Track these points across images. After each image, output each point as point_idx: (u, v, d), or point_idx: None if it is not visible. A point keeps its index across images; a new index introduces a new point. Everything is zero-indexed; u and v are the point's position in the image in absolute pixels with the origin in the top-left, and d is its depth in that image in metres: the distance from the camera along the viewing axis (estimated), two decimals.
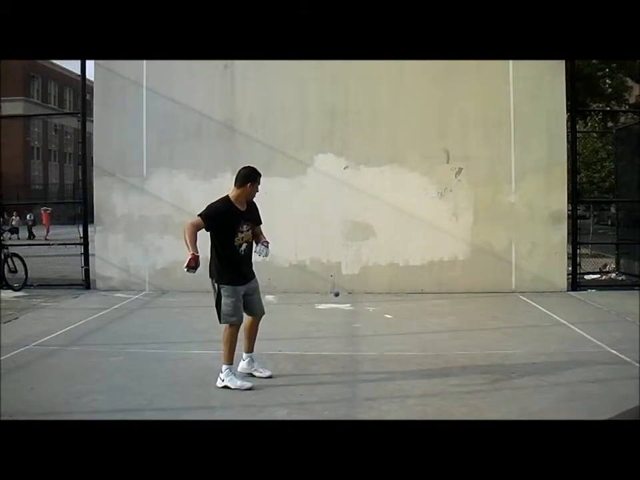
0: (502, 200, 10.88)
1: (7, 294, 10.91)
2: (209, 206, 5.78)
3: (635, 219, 12.25)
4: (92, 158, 11.97)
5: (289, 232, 10.79)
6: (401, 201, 10.87)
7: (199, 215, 5.69)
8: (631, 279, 12.03)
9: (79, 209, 12.31)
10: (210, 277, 5.78)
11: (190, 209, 11.46)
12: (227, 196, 5.79)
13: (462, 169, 10.96)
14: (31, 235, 29.05)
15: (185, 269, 5.45)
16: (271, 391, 5.40)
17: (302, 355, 6.53)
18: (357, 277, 11.10)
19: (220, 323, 5.63)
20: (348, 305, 9.89)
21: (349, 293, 10.81)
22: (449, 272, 10.89)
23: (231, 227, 5.66)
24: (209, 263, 5.82)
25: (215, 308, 5.68)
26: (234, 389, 5.42)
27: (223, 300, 5.60)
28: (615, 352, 6.51)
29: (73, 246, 12.05)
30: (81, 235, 11.76)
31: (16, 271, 11.70)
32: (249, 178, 5.72)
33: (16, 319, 8.71)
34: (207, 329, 8.02)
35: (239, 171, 5.83)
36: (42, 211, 30.60)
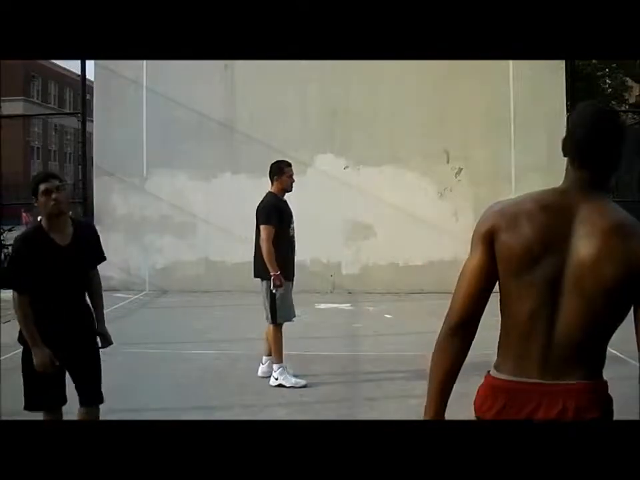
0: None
1: (7, 294, 10.91)
2: (263, 208, 5.54)
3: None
4: (92, 158, 11.98)
5: None
6: (401, 201, 10.87)
7: (267, 225, 5.43)
8: None
9: (79, 209, 12.32)
10: (261, 277, 5.57)
11: (190, 209, 11.51)
12: (270, 191, 5.66)
13: (462, 168, 10.97)
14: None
15: (275, 290, 5.37)
16: (271, 391, 5.40)
17: (302, 355, 6.53)
18: (357, 276, 11.11)
19: (275, 322, 5.51)
20: (348, 304, 9.90)
21: (349, 293, 10.82)
22: (449, 272, 10.83)
23: (285, 220, 5.55)
24: (255, 264, 5.62)
25: (265, 306, 5.53)
26: (289, 387, 5.41)
27: (279, 297, 5.46)
28: (614, 351, 6.49)
29: None
30: None
31: None
32: (271, 176, 5.65)
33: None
34: (207, 329, 8.03)
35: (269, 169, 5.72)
36: (23, 212, 29.51)
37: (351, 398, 5.31)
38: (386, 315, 9.04)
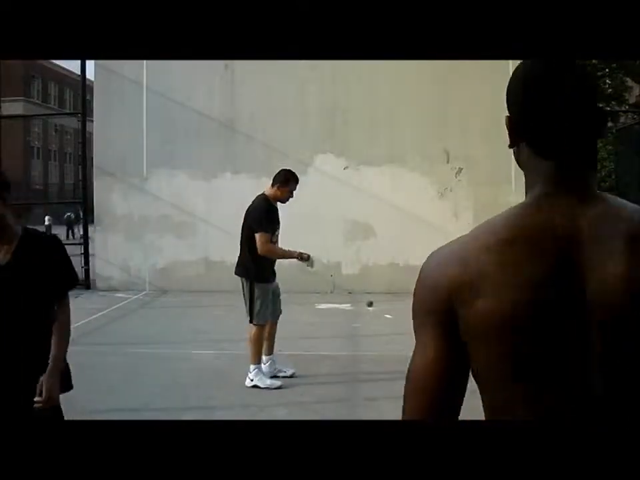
0: (502, 200, 10.86)
1: None
2: (257, 215, 5.54)
3: None
4: (92, 158, 11.99)
5: (289, 232, 10.78)
6: (401, 201, 10.87)
7: (263, 232, 5.46)
8: None
9: (79, 208, 12.33)
10: (240, 275, 5.63)
11: (190, 209, 11.51)
12: (264, 194, 5.66)
13: (462, 168, 10.97)
14: None
15: (311, 267, 5.63)
16: (271, 391, 5.40)
17: (302, 355, 6.54)
18: (357, 277, 11.11)
19: (252, 322, 5.53)
20: (348, 304, 9.90)
21: (349, 293, 10.82)
22: None
23: (272, 224, 5.57)
24: (238, 263, 5.68)
25: (246, 307, 5.58)
26: (263, 388, 5.41)
27: (258, 299, 5.50)
28: None
29: (73, 246, 12.07)
30: (81, 235, 11.79)
31: None
32: (274, 181, 5.65)
33: None
34: (207, 329, 8.03)
35: (278, 172, 5.74)
36: None
37: (350, 398, 5.31)
38: (386, 315, 9.04)
